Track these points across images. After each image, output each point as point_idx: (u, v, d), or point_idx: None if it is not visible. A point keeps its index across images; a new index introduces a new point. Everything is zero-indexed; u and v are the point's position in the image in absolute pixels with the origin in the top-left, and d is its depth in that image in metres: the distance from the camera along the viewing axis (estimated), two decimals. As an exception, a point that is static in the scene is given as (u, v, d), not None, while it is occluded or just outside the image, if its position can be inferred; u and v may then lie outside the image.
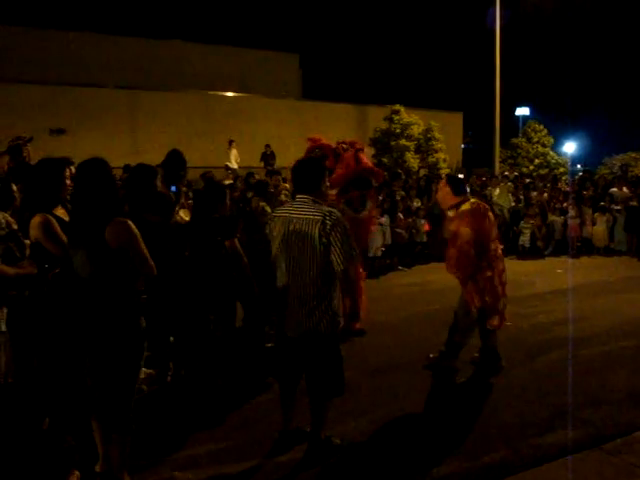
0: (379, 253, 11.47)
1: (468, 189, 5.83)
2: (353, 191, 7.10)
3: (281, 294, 4.12)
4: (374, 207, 8.20)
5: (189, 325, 5.18)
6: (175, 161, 5.99)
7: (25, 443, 4.14)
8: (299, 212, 3.99)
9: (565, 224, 13.86)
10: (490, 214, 5.69)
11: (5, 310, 3.84)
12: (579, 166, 31.61)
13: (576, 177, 19.88)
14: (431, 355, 6.02)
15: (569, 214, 13.94)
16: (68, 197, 4.28)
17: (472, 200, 5.71)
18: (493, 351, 5.88)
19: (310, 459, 4.17)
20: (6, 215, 4.54)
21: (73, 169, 4.31)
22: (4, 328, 3.79)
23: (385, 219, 11.78)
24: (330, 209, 4.02)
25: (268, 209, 10.31)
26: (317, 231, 3.86)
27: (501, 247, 5.91)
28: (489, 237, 5.56)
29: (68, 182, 4.16)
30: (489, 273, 5.53)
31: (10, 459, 3.98)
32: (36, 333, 4.08)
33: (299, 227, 3.94)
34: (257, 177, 13.52)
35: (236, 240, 5.31)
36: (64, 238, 3.84)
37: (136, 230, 3.49)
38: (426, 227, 12.95)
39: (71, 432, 4.12)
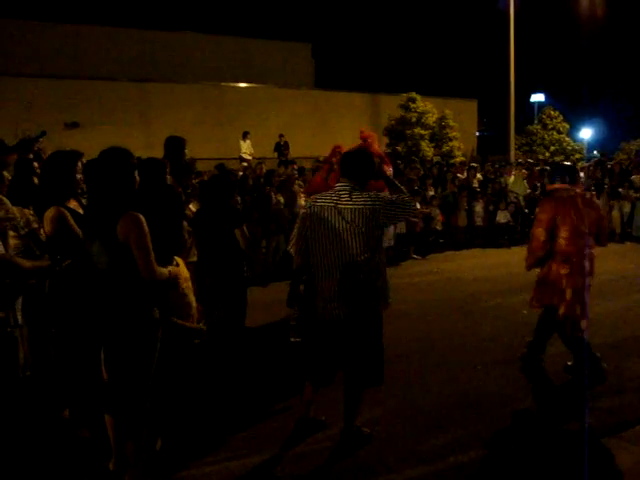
0: (392, 243, 11.41)
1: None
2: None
3: (319, 279, 4.08)
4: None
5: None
6: (175, 147, 5.88)
7: (42, 434, 4.18)
8: (346, 201, 3.96)
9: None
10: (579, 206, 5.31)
11: (21, 300, 3.85)
12: (595, 152, 31.27)
13: (591, 162, 19.64)
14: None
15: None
16: (80, 190, 4.31)
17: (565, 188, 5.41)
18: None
19: (344, 448, 4.18)
20: (27, 212, 4.57)
21: (83, 161, 4.33)
22: (22, 321, 3.81)
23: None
24: (374, 194, 4.04)
25: (281, 199, 10.38)
26: (373, 216, 3.90)
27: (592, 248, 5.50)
28: (565, 228, 5.28)
29: (79, 176, 4.17)
30: (554, 267, 5.37)
31: (24, 452, 4.01)
32: (52, 323, 4.12)
33: (349, 215, 3.92)
34: (265, 167, 13.55)
35: (245, 228, 5.28)
36: (78, 230, 3.86)
37: (146, 228, 3.45)
38: (440, 217, 12.92)
39: (87, 424, 4.16)
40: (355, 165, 4.13)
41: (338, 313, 4.02)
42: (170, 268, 3.79)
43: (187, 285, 4.13)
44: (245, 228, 5.28)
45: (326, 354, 4.23)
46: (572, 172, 5.53)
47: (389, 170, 6.97)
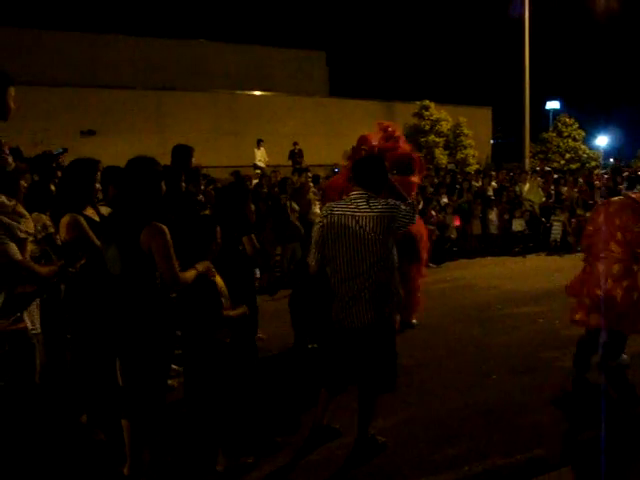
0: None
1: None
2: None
3: (336, 287, 4.08)
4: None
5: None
6: (182, 155, 5.91)
7: (57, 439, 4.21)
8: (364, 209, 3.95)
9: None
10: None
11: (37, 309, 3.88)
12: (612, 160, 31.06)
13: (607, 169, 19.49)
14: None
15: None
16: (96, 198, 4.35)
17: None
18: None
19: (358, 456, 4.17)
20: (44, 218, 4.62)
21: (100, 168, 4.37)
22: (39, 329, 3.84)
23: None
24: (391, 201, 4.05)
25: (296, 206, 10.39)
26: (389, 223, 3.92)
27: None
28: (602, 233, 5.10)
29: (98, 185, 4.22)
30: (588, 268, 5.41)
31: (39, 455, 4.03)
32: (67, 328, 4.16)
33: (367, 223, 3.91)
34: (279, 175, 13.57)
35: (253, 236, 5.27)
36: (93, 237, 3.90)
37: (169, 238, 3.49)
38: (457, 222, 12.88)
39: (103, 428, 4.18)
40: (368, 174, 4.12)
41: (354, 320, 4.02)
42: (197, 266, 3.80)
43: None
44: (254, 237, 5.27)
45: (341, 361, 4.23)
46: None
47: (416, 177, 6.76)
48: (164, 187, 3.66)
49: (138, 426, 3.73)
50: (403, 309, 5.68)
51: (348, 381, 4.29)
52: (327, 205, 4.26)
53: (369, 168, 4.16)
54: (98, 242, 3.88)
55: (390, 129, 6.72)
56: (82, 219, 4.00)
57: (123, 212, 3.57)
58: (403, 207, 4.04)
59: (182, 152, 5.91)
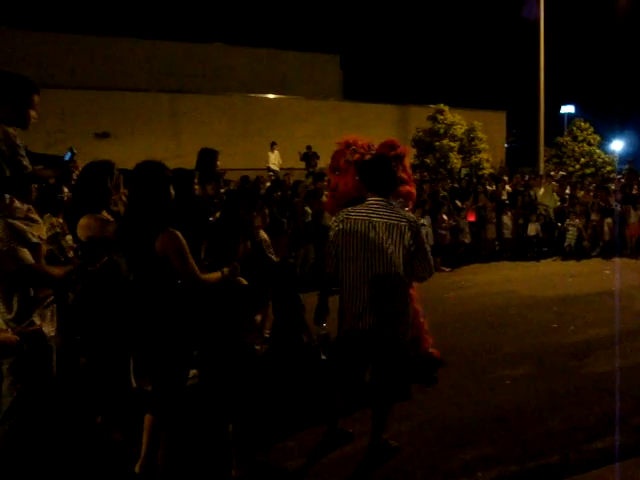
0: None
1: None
2: None
3: (349, 294, 4.01)
4: None
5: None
6: (207, 159, 6.02)
7: (70, 439, 4.23)
8: (380, 215, 3.89)
9: (614, 224, 13.43)
10: None
11: (55, 311, 3.90)
12: (627, 165, 30.85)
13: (623, 173, 19.33)
14: None
15: (616, 213, 13.57)
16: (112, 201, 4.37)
17: None
18: None
19: (371, 461, 4.16)
20: (53, 220, 4.64)
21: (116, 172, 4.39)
22: (54, 332, 3.85)
23: (427, 220, 11.66)
24: (412, 215, 4.02)
25: (309, 210, 10.39)
26: (407, 236, 3.82)
27: None
28: None
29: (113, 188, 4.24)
30: None
31: (52, 454, 4.04)
32: (79, 330, 4.18)
33: (383, 230, 3.85)
34: (292, 178, 13.57)
35: (248, 242, 5.23)
36: (110, 236, 3.92)
37: (184, 242, 3.52)
38: (471, 217, 12.81)
39: (119, 427, 4.19)
40: (378, 178, 4.05)
41: (366, 327, 3.97)
42: (224, 269, 3.81)
43: None
44: (249, 242, 5.25)
45: (354, 367, 4.19)
46: None
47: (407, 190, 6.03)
48: (173, 191, 3.66)
49: (160, 423, 3.74)
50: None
51: (360, 388, 4.26)
52: (344, 210, 4.15)
53: (377, 172, 4.07)
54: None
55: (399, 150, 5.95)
56: (99, 220, 4.03)
57: (135, 218, 3.58)
58: (426, 258, 3.94)
59: (208, 155, 6.02)
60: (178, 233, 3.51)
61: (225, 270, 3.82)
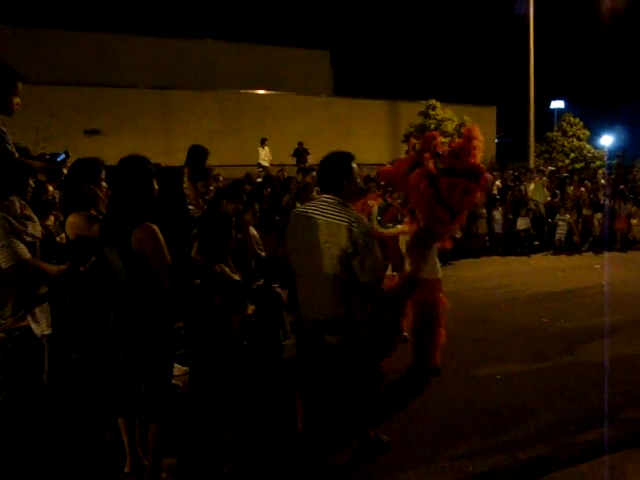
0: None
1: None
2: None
3: (296, 285, 3.89)
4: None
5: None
6: (197, 156, 5.99)
7: (61, 438, 4.22)
8: (324, 213, 3.65)
9: (604, 218, 13.53)
10: None
11: (48, 310, 3.89)
12: (616, 160, 31.00)
13: (613, 169, 19.42)
14: None
15: (606, 208, 13.66)
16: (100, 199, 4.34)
17: None
18: None
19: (362, 456, 4.15)
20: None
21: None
22: (47, 331, 3.84)
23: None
24: (358, 214, 3.72)
25: (299, 205, 10.38)
26: (343, 237, 3.54)
27: None
28: None
29: (104, 184, 4.22)
30: None
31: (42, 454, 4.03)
32: (72, 329, 4.16)
33: (323, 230, 3.62)
34: (285, 174, 13.54)
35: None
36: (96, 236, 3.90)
37: (161, 238, 3.49)
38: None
39: (110, 426, 4.19)
40: (329, 176, 3.80)
41: (308, 320, 3.85)
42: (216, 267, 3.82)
43: None
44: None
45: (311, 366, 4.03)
46: None
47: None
48: (156, 186, 3.65)
49: (141, 425, 3.77)
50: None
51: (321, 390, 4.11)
52: (301, 205, 4.02)
53: (329, 168, 3.84)
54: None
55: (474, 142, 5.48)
56: (87, 218, 4.01)
57: (116, 213, 3.57)
58: (365, 241, 3.58)
59: (198, 153, 5.99)
60: (155, 227, 3.48)
61: (217, 269, 3.81)
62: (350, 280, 3.61)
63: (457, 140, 5.82)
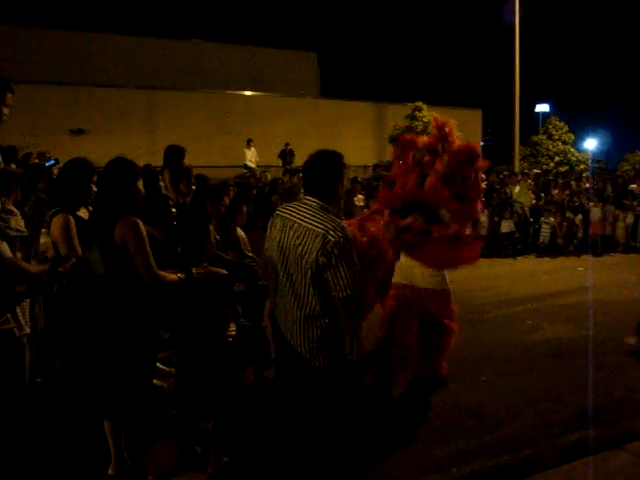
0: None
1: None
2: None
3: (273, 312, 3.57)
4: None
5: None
6: (174, 156, 5.92)
7: (45, 438, 4.19)
8: (302, 217, 3.31)
9: (586, 222, 13.69)
10: None
11: (27, 309, 3.86)
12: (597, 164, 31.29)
13: (596, 174, 19.62)
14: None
15: (591, 212, 13.79)
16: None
17: None
18: None
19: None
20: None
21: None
22: (28, 330, 3.81)
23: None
24: (338, 222, 3.26)
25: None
26: (317, 246, 3.17)
27: None
28: None
29: (94, 187, 4.20)
30: None
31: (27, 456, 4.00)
32: (61, 328, 4.13)
33: (299, 235, 3.27)
34: (270, 176, 13.55)
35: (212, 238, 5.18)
36: (76, 242, 3.89)
37: (144, 232, 3.48)
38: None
39: (87, 429, 4.17)
40: (314, 178, 3.42)
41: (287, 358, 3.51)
42: (193, 270, 3.79)
43: None
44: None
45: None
46: None
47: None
48: (142, 189, 3.65)
49: (120, 426, 3.75)
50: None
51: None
52: (282, 205, 3.67)
53: (314, 169, 3.43)
54: (79, 248, 3.87)
55: (447, 129, 5.38)
56: (72, 221, 3.99)
57: (100, 213, 3.57)
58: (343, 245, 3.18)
59: (174, 152, 5.92)
60: (138, 220, 3.48)
61: (194, 270, 3.80)
62: (324, 293, 3.26)
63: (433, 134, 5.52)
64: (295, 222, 3.32)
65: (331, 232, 3.16)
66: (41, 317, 4.54)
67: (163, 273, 3.60)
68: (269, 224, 3.52)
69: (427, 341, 5.48)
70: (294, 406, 3.51)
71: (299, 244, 3.25)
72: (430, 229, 5.08)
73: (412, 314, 5.30)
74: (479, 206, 5.44)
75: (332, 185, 3.37)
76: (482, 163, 5.27)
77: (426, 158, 5.20)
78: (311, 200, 3.35)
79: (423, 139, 5.49)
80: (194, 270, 3.79)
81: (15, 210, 3.75)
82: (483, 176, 5.33)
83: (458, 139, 5.38)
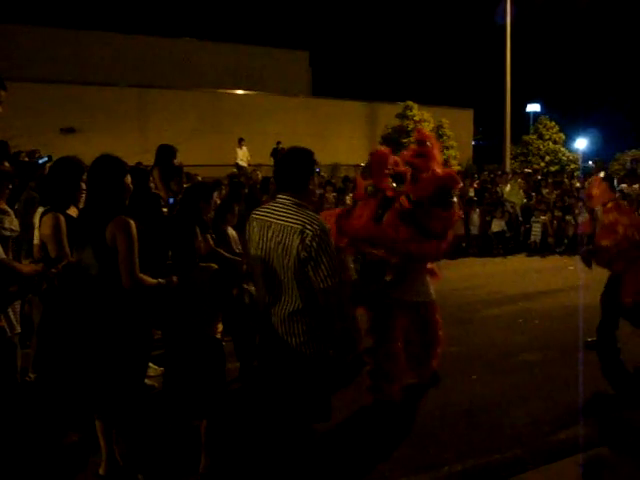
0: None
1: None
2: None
3: (262, 313, 3.52)
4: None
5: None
6: (165, 155, 5.93)
7: (35, 439, 4.17)
8: (278, 216, 3.32)
9: (577, 221, 13.74)
10: None
11: (18, 309, 3.85)
12: (590, 162, 31.39)
13: (591, 173, 19.66)
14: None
15: (581, 211, 13.84)
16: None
17: None
18: None
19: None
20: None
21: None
22: (19, 329, 3.80)
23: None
24: (313, 216, 3.30)
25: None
26: (295, 242, 3.20)
27: None
28: None
29: (83, 185, 4.19)
30: None
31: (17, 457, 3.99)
32: (54, 328, 4.12)
33: (277, 234, 3.29)
34: (261, 174, 13.51)
35: (209, 236, 5.20)
36: (65, 241, 3.87)
37: (135, 234, 3.48)
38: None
39: (76, 429, 4.15)
40: (286, 174, 3.44)
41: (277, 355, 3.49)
42: (161, 280, 3.77)
43: None
44: (209, 236, 5.20)
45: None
46: None
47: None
48: (131, 185, 3.64)
49: (112, 426, 3.73)
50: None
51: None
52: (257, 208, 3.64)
53: (284, 165, 3.48)
54: (67, 248, 3.85)
55: (428, 144, 5.26)
56: (63, 220, 3.97)
57: (90, 211, 3.57)
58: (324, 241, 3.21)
59: (165, 151, 5.93)
60: (131, 221, 3.48)
61: (161, 280, 3.78)
62: (308, 288, 3.29)
63: (412, 147, 5.37)
64: (272, 222, 3.34)
65: (308, 226, 3.20)
66: (37, 315, 4.51)
67: (143, 276, 3.59)
68: (247, 228, 3.52)
69: (414, 350, 5.44)
70: (277, 399, 3.52)
71: (279, 242, 3.28)
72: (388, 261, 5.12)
73: (398, 324, 5.30)
74: (448, 240, 5.48)
75: (303, 180, 3.39)
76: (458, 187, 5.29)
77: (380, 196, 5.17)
78: (284, 198, 3.38)
79: (394, 159, 5.38)
80: (174, 278, 3.79)
81: (9, 210, 3.73)
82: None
83: (437, 155, 5.29)
